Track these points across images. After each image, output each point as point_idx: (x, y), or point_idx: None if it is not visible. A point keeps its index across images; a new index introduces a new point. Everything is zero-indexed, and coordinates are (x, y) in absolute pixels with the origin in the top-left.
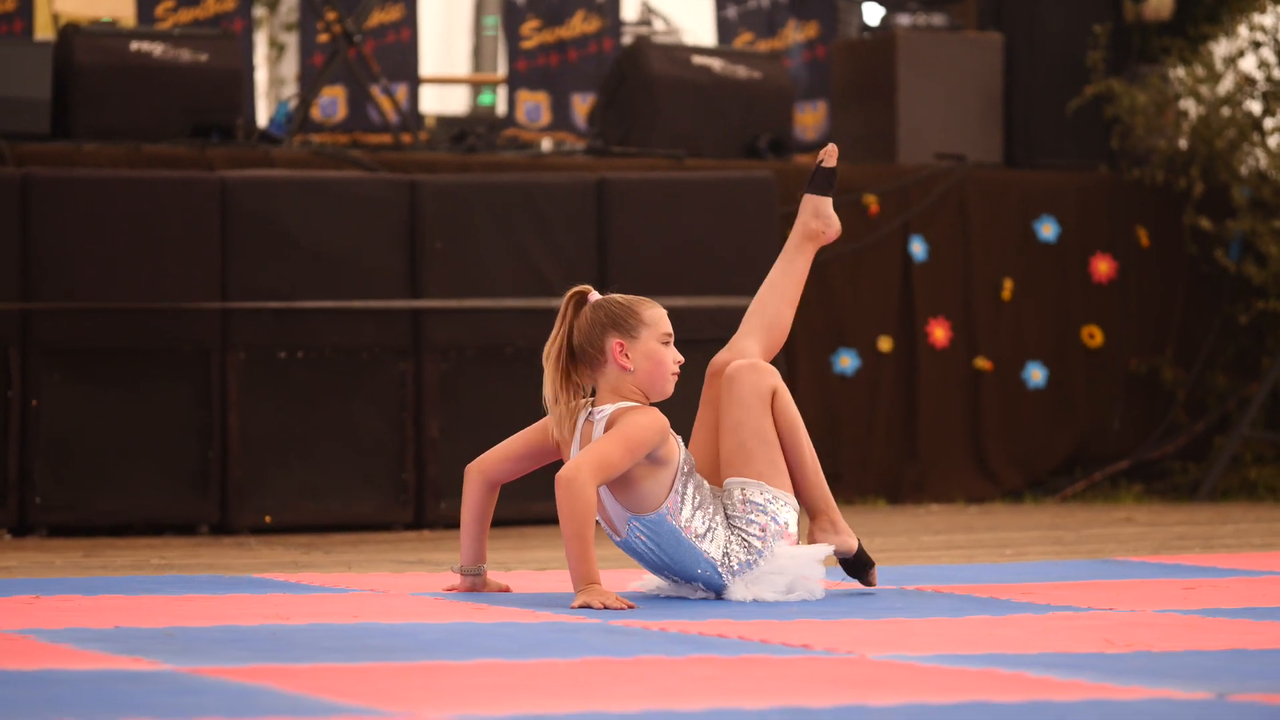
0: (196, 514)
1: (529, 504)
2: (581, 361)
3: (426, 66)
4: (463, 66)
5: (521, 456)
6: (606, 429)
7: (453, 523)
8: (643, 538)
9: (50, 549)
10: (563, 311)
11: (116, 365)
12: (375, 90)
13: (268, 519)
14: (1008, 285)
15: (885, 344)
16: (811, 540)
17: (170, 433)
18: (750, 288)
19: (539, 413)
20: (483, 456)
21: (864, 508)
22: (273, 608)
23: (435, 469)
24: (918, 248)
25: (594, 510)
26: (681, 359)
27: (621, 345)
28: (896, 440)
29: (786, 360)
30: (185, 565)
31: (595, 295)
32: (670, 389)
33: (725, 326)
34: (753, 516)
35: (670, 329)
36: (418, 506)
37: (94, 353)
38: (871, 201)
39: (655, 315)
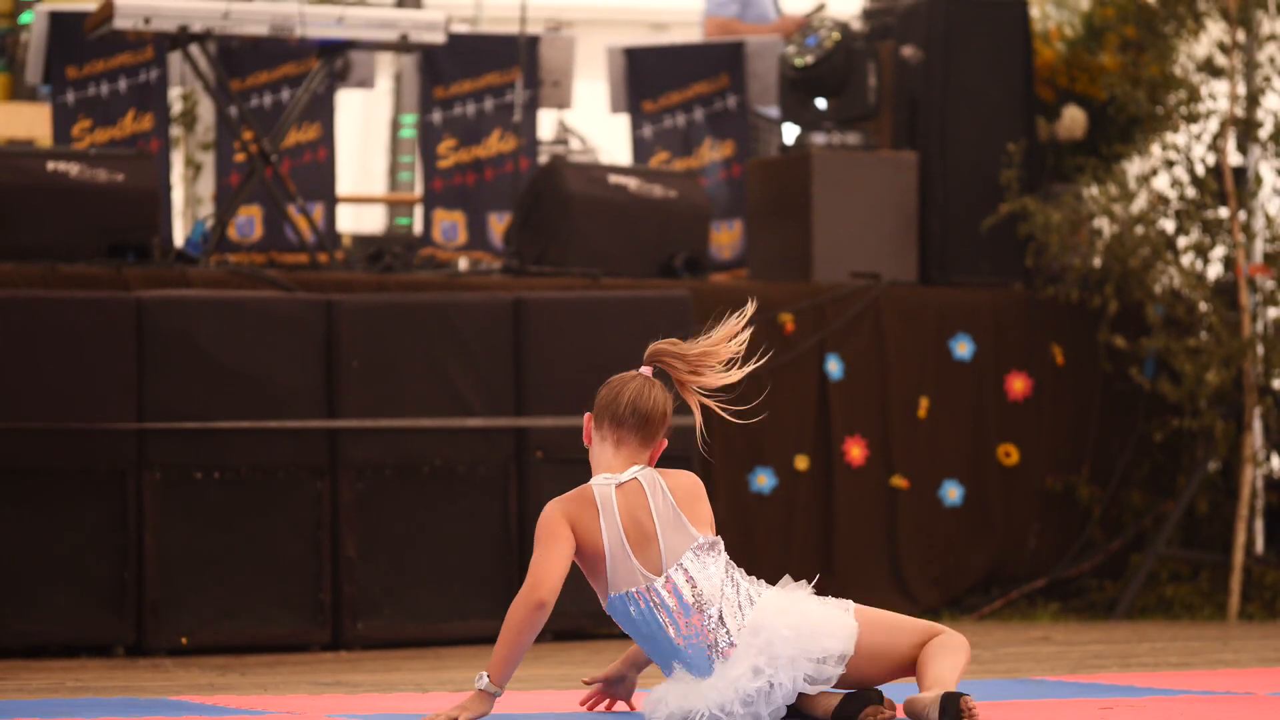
0: (112, 635)
1: (444, 624)
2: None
3: (343, 186)
4: (379, 186)
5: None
6: (695, 494)
7: (371, 643)
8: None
9: None
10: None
11: (31, 485)
12: (292, 210)
13: (184, 640)
14: (923, 403)
15: (802, 462)
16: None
17: (86, 553)
18: None
19: (457, 533)
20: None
21: None
22: None
23: (352, 589)
24: (834, 366)
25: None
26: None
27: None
28: (814, 558)
29: (704, 478)
30: (101, 688)
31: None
32: None
33: None
34: None
35: None
36: (335, 627)
37: (8, 473)
38: (787, 320)
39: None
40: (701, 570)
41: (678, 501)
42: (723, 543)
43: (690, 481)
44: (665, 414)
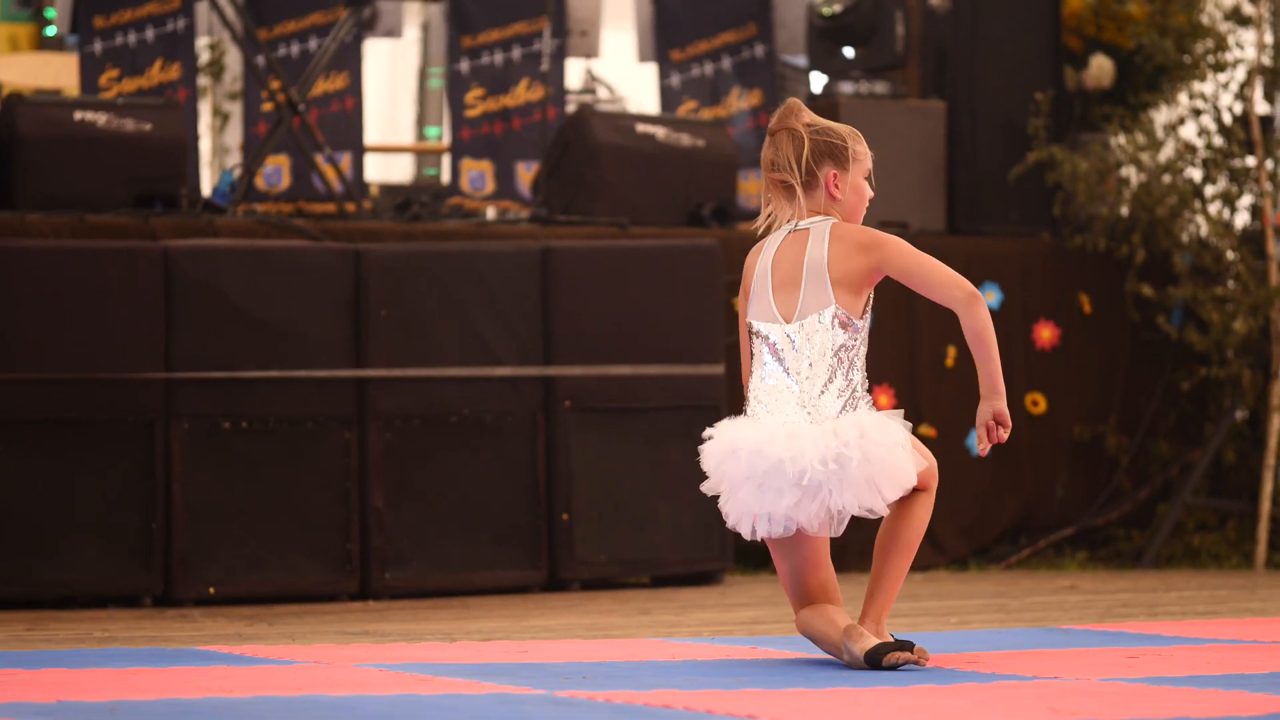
0: (140, 586)
1: (471, 574)
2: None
3: (371, 135)
4: (407, 135)
5: None
6: (834, 239)
7: (398, 593)
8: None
9: None
10: (773, 132)
11: (59, 436)
12: (319, 159)
13: (211, 590)
14: (951, 353)
15: None
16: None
17: (113, 504)
18: (696, 355)
19: (485, 483)
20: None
21: None
22: (217, 681)
23: (380, 539)
24: None
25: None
26: (872, 194)
27: (835, 176)
28: None
29: None
30: (128, 638)
31: (805, 119)
32: (860, 220)
33: (671, 394)
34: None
35: (870, 165)
36: (363, 577)
37: (36, 424)
38: None
39: (864, 151)
40: (825, 336)
41: (832, 259)
42: (864, 328)
43: (858, 241)
44: (798, 156)
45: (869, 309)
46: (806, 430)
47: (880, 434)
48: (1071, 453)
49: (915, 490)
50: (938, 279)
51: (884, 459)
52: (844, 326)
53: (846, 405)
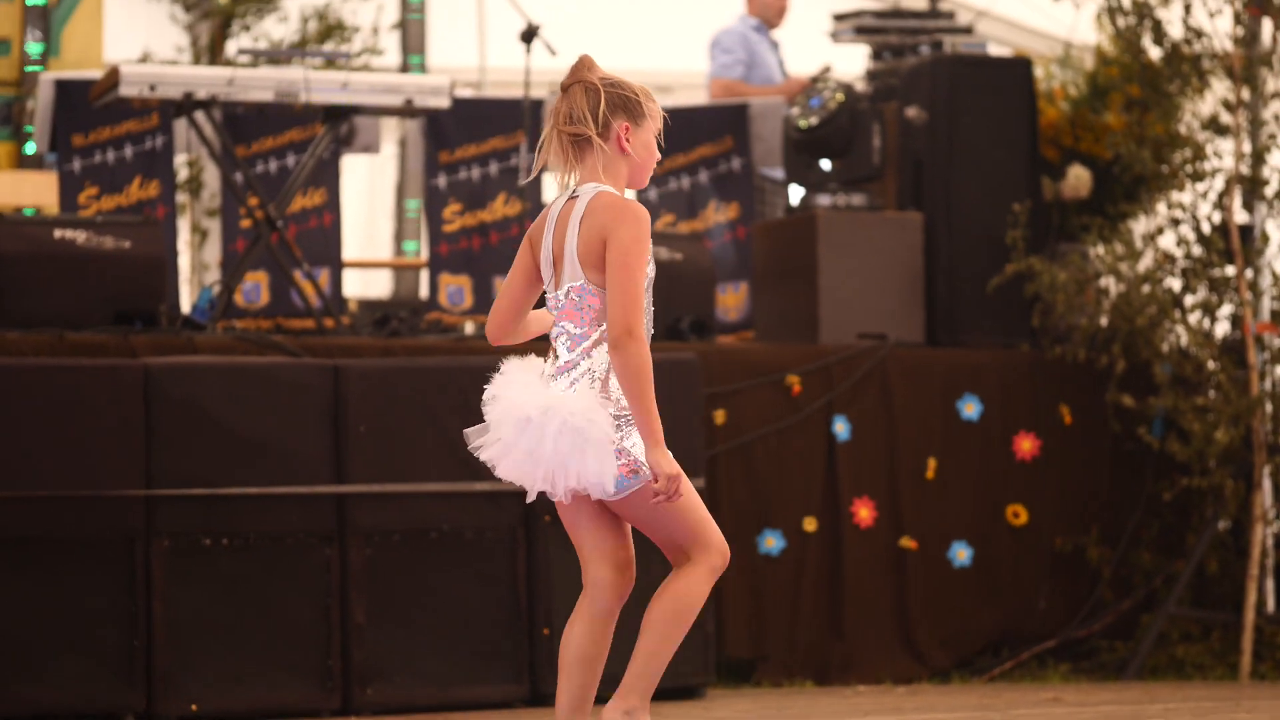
0: (122, 703)
1: (454, 689)
2: (580, 139)
3: (349, 251)
4: (385, 250)
5: (523, 286)
6: (588, 212)
7: (381, 709)
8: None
9: None
10: (566, 87)
11: (40, 554)
12: (298, 275)
13: (194, 707)
14: (932, 464)
15: (810, 524)
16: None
17: (95, 621)
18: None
19: (467, 598)
20: (491, 317)
21: (790, 689)
22: None
23: (361, 655)
24: (841, 427)
25: (649, 363)
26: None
27: (627, 129)
28: (822, 621)
29: None
30: None
31: (598, 74)
32: (647, 180)
33: None
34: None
35: (660, 127)
36: (345, 693)
37: (17, 541)
38: (794, 382)
39: (656, 110)
40: (573, 310)
41: (581, 234)
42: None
43: (602, 221)
44: (594, 109)
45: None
46: (529, 394)
47: (586, 417)
48: (1053, 564)
49: (694, 563)
50: (613, 302)
51: (580, 442)
52: (589, 305)
53: (576, 382)
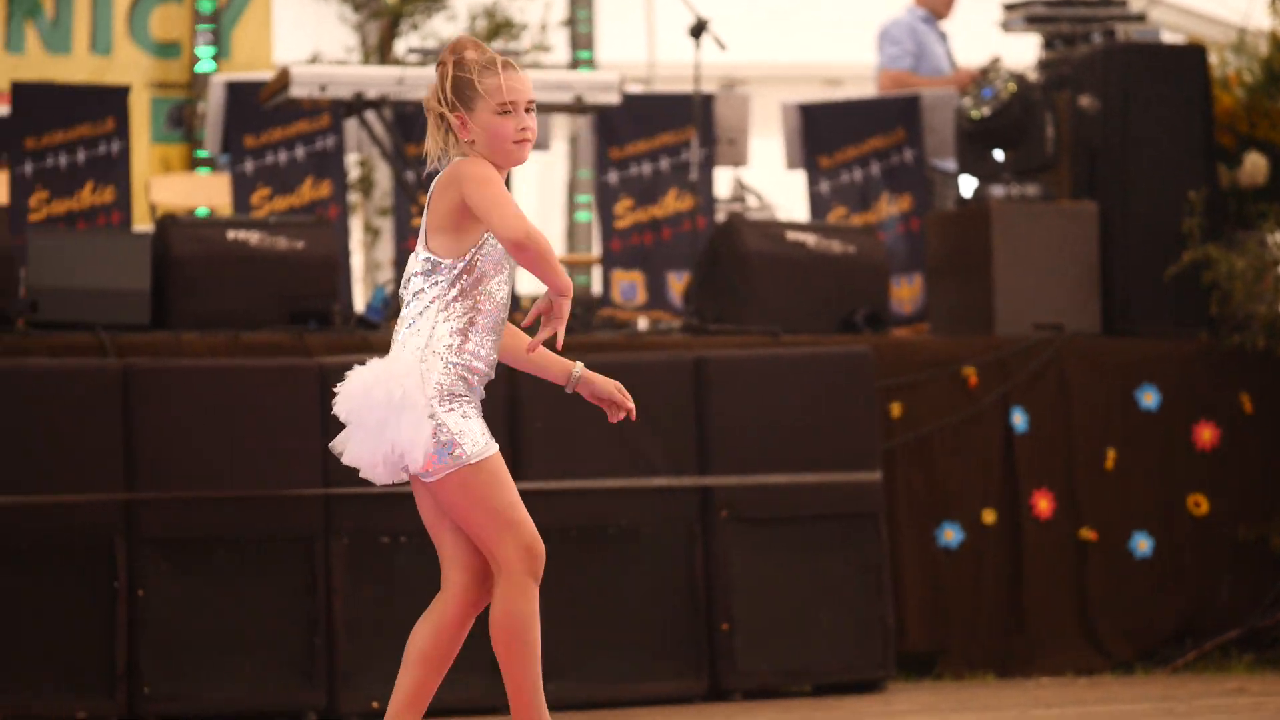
0: (304, 701)
1: (633, 685)
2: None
3: None
4: (556, 247)
5: None
6: (435, 186)
7: (561, 705)
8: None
9: None
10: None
11: (220, 554)
12: None
13: (375, 705)
14: (1110, 454)
15: (989, 516)
16: None
17: (276, 620)
18: (851, 462)
19: (643, 594)
20: None
21: (971, 682)
22: None
23: (542, 651)
24: (1018, 419)
25: (548, 247)
26: (528, 124)
27: (462, 119)
28: (1003, 613)
29: (890, 534)
30: None
31: (467, 54)
32: (518, 157)
33: (827, 502)
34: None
35: (514, 96)
36: None
37: (197, 543)
38: (970, 374)
39: (495, 83)
40: (416, 279)
41: (430, 202)
42: (457, 267)
43: (447, 178)
44: (442, 91)
45: (474, 249)
46: (357, 374)
47: (401, 383)
48: (1235, 553)
49: (504, 580)
50: (494, 221)
51: (395, 408)
52: (430, 272)
53: (405, 345)
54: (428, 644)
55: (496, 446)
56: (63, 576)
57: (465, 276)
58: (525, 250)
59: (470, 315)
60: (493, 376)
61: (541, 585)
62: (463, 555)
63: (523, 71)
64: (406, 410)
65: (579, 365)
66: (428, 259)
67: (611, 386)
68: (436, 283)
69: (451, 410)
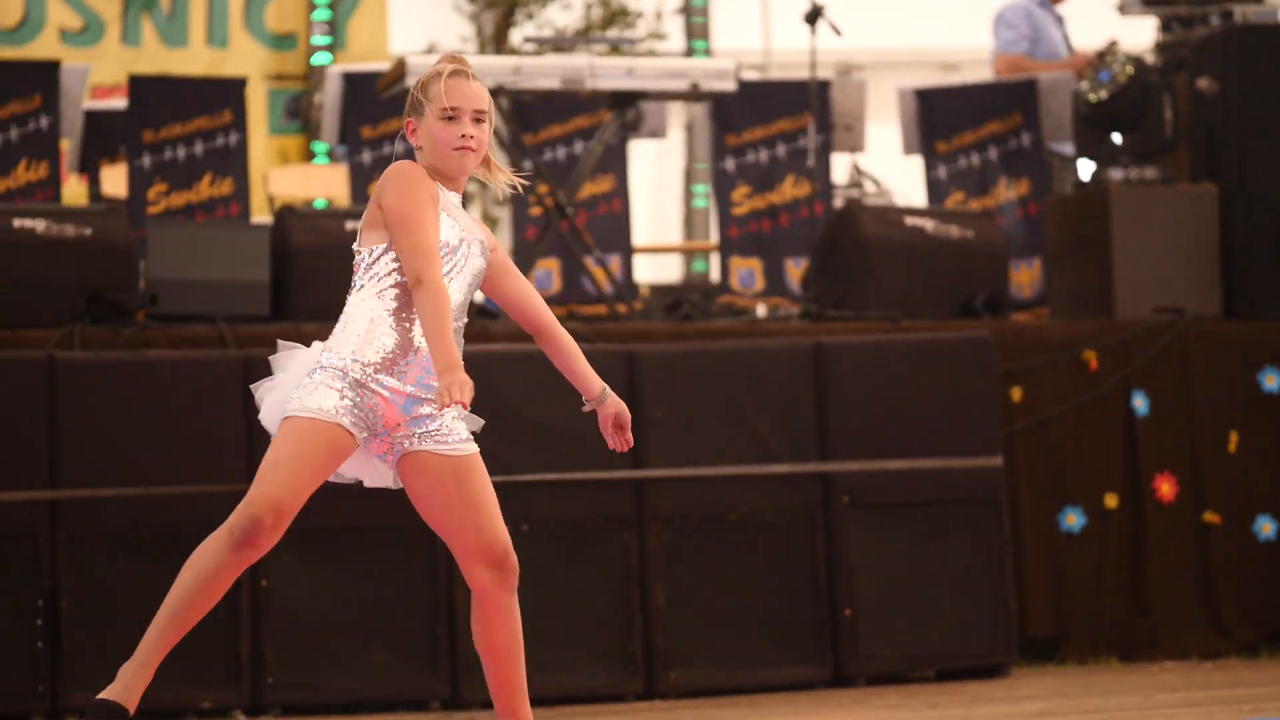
0: (427, 690)
1: (755, 672)
2: None
3: (639, 236)
4: (675, 235)
5: None
6: (377, 183)
7: (683, 692)
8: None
9: None
10: None
11: (343, 544)
12: (589, 261)
13: None
14: (1233, 438)
15: (1111, 500)
16: None
17: (399, 609)
18: (972, 447)
19: (765, 580)
20: None
21: (1095, 666)
22: None
23: (663, 639)
24: (1140, 402)
25: (442, 302)
26: (470, 133)
27: (411, 124)
28: (1126, 597)
29: (1011, 519)
30: None
31: (437, 65)
32: (460, 165)
33: (949, 487)
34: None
35: (456, 102)
36: (647, 677)
37: (321, 531)
38: (1091, 358)
39: (438, 90)
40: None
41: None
42: (368, 261)
43: (378, 188)
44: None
45: (383, 245)
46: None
47: (294, 362)
48: None
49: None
50: (402, 257)
51: (278, 393)
52: (358, 266)
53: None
54: (481, 636)
55: (335, 421)
56: None
57: (373, 270)
58: (418, 297)
59: (384, 306)
60: (407, 371)
61: (664, 573)
62: (466, 545)
63: (476, 82)
64: (283, 377)
65: (607, 388)
66: (358, 253)
67: (625, 419)
68: (360, 277)
69: (321, 373)
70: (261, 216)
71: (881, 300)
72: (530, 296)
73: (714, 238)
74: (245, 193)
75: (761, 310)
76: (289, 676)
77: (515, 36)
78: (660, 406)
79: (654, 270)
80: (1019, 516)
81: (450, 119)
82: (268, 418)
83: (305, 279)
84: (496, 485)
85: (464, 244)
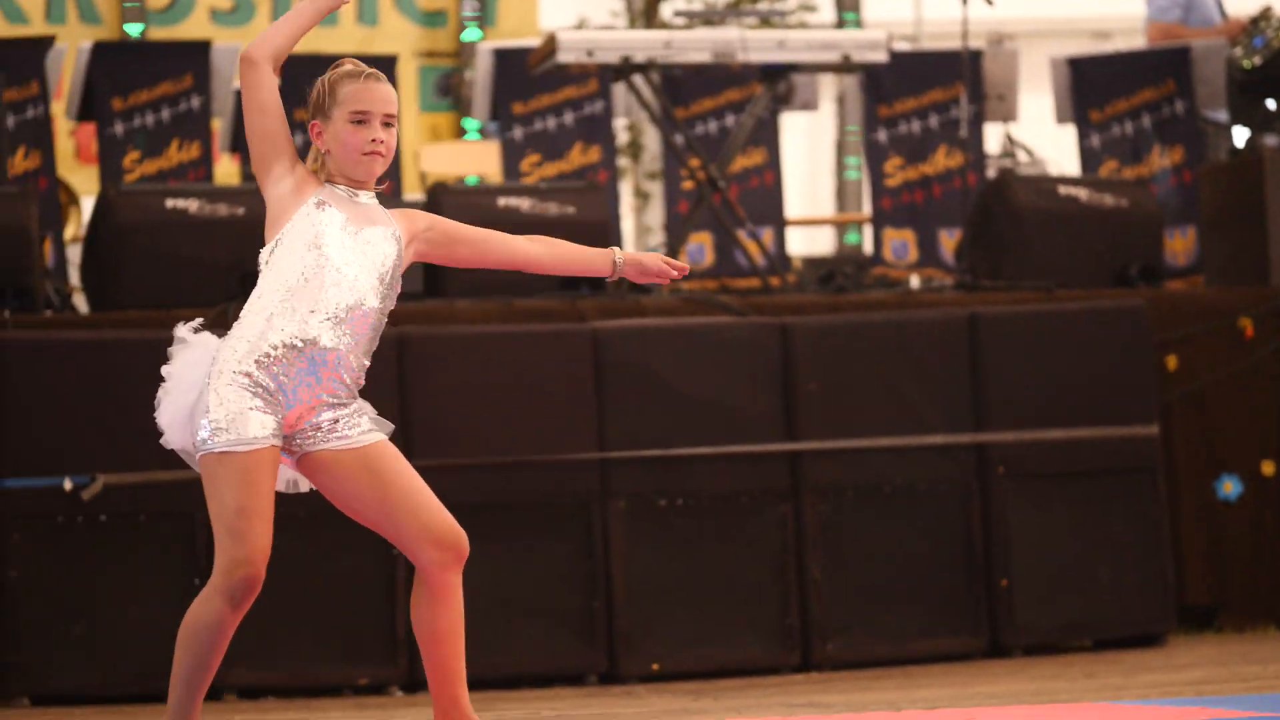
0: (585, 665)
1: (912, 643)
2: None
3: (791, 209)
4: (827, 207)
5: None
6: None
7: (840, 664)
8: None
9: None
10: None
11: (498, 520)
12: (742, 235)
13: (655, 667)
14: None
15: (1268, 468)
16: None
17: (554, 584)
18: (1128, 417)
19: (921, 551)
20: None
21: (1253, 635)
22: None
23: (819, 610)
24: None
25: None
26: (380, 137)
27: (317, 127)
28: None
29: (1168, 487)
30: (577, 715)
31: (342, 68)
32: (368, 169)
33: (1105, 457)
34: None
35: (366, 106)
36: (804, 649)
37: (477, 508)
38: (1247, 325)
39: (348, 92)
40: None
41: None
42: (264, 260)
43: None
44: None
45: (275, 243)
46: None
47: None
48: None
49: (210, 582)
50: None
51: (179, 399)
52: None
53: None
54: (422, 621)
55: (262, 442)
56: (342, 547)
57: (271, 260)
58: (242, 62)
59: (276, 295)
60: (317, 359)
61: (820, 545)
62: (409, 533)
63: (387, 85)
64: (182, 381)
65: (617, 250)
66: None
67: (656, 257)
68: (259, 276)
69: (229, 386)
70: (414, 194)
71: (1035, 270)
72: (490, 245)
73: (866, 209)
74: (397, 170)
75: (915, 281)
76: None
77: (665, 10)
78: (815, 379)
79: (807, 243)
80: (1175, 485)
81: (360, 123)
82: (173, 429)
83: None
84: (652, 460)
85: (352, 234)
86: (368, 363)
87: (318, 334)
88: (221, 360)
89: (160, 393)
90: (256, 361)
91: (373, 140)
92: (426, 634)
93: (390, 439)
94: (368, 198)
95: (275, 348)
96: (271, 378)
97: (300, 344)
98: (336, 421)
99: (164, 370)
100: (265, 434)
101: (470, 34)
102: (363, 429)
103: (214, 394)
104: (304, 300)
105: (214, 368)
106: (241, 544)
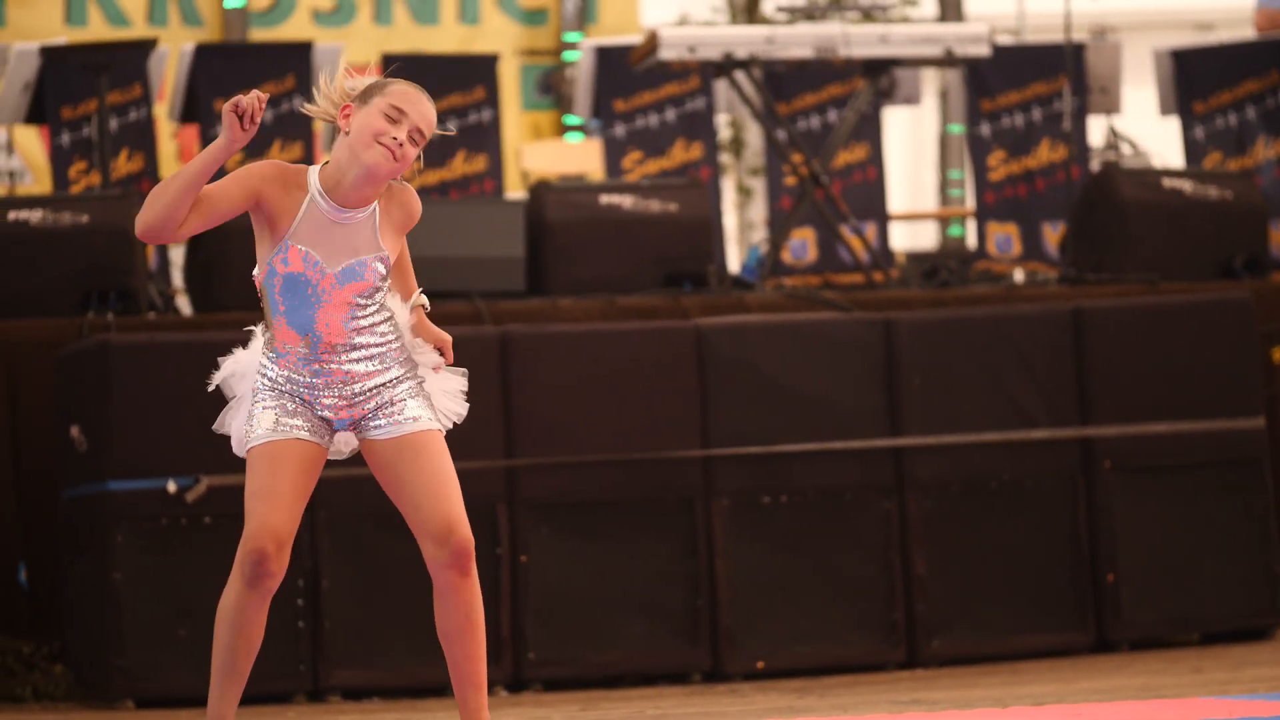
0: (688, 662)
1: (1017, 638)
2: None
3: (894, 203)
4: (930, 202)
5: None
6: None
7: (945, 660)
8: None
9: (546, 703)
10: None
11: (601, 517)
12: (845, 230)
13: (760, 665)
14: None
15: None
16: None
17: (657, 582)
18: (1234, 409)
19: (1027, 547)
20: None
21: None
22: None
23: (924, 607)
24: None
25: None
26: (402, 139)
27: (349, 109)
28: None
29: (1274, 480)
30: (681, 715)
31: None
32: (375, 159)
33: (1211, 450)
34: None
35: (405, 109)
36: (909, 645)
37: (578, 506)
38: None
39: (398, 90)
40: None
41: None
42: (260, 277)
43: None
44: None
45: (268, 259)
46: None
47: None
48: None
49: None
50: None
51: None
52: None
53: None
54: (439, 621)
55: (288, 436)
56: None
57: (265, 282)
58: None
59: (276, 308)
60: (313, 356)
61: (928, 541)
62: (414, 524)
63: (432, 107)
64: (238, 401)
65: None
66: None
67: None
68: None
69: (257, 394)
70: (515, 193)
71: (1140, 263)
72: (401, 287)
73: (970, 204)
74: (499, 169)
75: (1019, 275)
76: (549, 652)
77: (767, 5)
78: (918, 374)
79: (910, 237)
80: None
81: (392, 120)
82: (235, 441)
83: (561, 254)
84: (755, 457)
85: (323, 273)
86: (378, 318)
87: (308, 350)
88: (255, 370)
89: (226, 412)
90: (277, 367)
91: (393, 136)
92: (440, 634)
93: (492, 438)
94: (363, 215)
95: (285, 356)
96: (292, 382)
97: (304, 351)
98: (379, 409)
99: (218, 382)
100: (285, 428)
101: (571, 32)
102: (400, 417)
103: (249, 403)
104: (291, 319)
105: (250, 382)
106: (251, 522)
